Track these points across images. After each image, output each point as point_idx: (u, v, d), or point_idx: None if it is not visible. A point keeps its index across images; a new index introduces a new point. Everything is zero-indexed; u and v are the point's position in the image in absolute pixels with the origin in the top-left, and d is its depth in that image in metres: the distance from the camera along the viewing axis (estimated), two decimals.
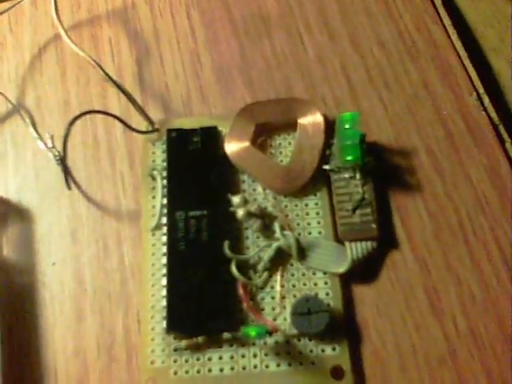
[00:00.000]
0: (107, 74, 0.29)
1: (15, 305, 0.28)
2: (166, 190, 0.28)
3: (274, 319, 0.26)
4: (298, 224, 0.28)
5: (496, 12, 0.34)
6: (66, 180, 0.29)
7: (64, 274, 0.29)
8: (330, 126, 0.30)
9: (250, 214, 0.28)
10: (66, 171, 0.29)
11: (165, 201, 0.28)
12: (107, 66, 0.32)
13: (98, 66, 0.29)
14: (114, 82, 0.29)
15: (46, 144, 0.30)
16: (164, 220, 0.28)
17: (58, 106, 0.33)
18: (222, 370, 0.26)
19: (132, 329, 0.27)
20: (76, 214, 0.30)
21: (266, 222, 0.28)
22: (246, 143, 0.30)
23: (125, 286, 0.28)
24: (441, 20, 0.34)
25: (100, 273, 0.28)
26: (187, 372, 0.26)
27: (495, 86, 0.33)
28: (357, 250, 0.27)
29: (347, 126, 0.28)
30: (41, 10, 0.36)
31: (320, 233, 0.28)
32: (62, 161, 0.29)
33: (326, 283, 0.27)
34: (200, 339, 0.26)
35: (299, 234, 0.28)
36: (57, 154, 0.29)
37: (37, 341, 0.27)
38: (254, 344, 0.26)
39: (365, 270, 0.28)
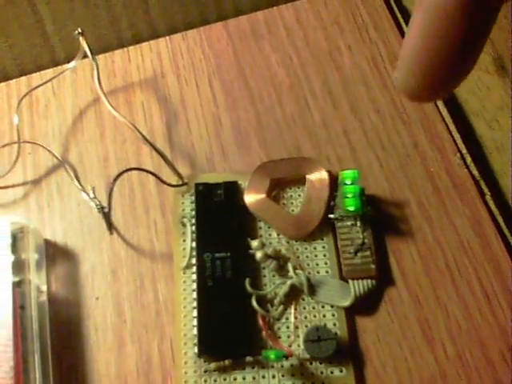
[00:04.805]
0: (142, 135, 0.32)
1: (63, 334, 0.31)
2: (195, 234, 0.32)
3: (290, 346, 0.29)
4: (308, 264, 0.32)
5: (478, 81, 0.37)
6: (109, 226, 0.33)
7: (106, 307, 0.32)
8: (333, 181, 0.33)
9: (266, 256, 0.31)
10: (109, 219, 0.32)
11: (194, 244, 0.32)
12: (141, 128, 0.35)
13: (135, 128, 0.32)
14: (149, 142, 0.32)
15: (88, 195, 0.33)
16: (193, 260, 0.31)
17: (97, 162, 0.36)
18: None
19: (166, 355, 0.30)
20: (116, 256, 0.33)
21: (280, 262, 0.31)
22: (263, 195, 0.33)
23: (159, 317, 0.31)
24: None
25: (137, 306, 0.32)
26: None
27: (477, 147, 0.36)
28: (359, 286, 0.30)
29: (348, 182, 0.31)
30: (80, 75, 0.39)
31: (327, 272, 0.31)
32: (104, 209, 0.32)
33: (333, 315, 0.30)
34: (227, 362, 0.29)
35: (309, 273, 0.31)
36: (98, 203, 0.33)
37: (83, 365, 0.30)
38: (272, 366, 0.29)
39: (366, 304, 0.31)
